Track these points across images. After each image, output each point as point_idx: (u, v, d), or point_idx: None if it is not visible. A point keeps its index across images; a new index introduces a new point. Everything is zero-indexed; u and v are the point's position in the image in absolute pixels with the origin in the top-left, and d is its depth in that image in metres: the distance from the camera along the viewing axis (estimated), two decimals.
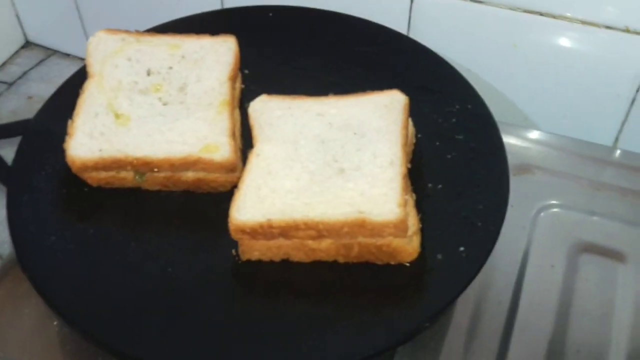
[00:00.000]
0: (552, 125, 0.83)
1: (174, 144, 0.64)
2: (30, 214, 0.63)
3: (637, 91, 0.77)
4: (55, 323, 0.64)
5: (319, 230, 0.58)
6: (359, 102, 0.66)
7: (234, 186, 0.64)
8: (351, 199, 0.59)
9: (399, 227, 0.56)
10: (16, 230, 0.62)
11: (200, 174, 0.65)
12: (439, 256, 0.59)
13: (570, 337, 0.61)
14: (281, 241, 0.59)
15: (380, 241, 0.58)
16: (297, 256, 0.60)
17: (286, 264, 0.60)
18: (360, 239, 0.58)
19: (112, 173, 0.65)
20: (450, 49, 0.80)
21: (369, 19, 0.80)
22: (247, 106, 0.68)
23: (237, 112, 0.70)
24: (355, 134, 0.64)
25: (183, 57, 0.71)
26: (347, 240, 0.58)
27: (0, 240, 0.85)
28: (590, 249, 0.67)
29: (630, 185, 0.72)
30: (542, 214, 0.70)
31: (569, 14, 0.75)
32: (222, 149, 0.64)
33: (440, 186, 0.64)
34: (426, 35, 0.81)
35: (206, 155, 0.64)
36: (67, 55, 1.16)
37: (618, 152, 0.78)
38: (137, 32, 0.74)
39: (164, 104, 0.68)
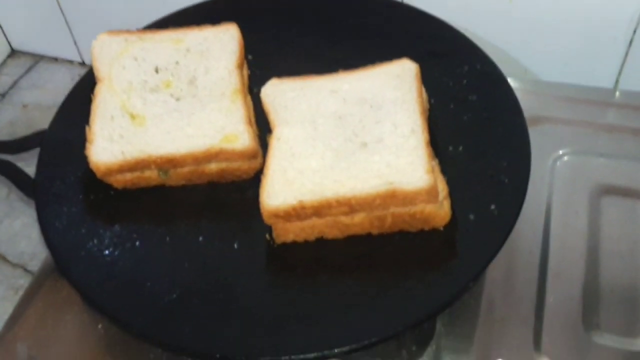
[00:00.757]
0: (553, 74, 0.84)
1: (194, 138, 0.65)
2: (63, 224, 0.63)
3: (634, 32, 0.78)
4: (100, 326, 0.65)
5: (351, 206, 0.59)
6: (370, 75, 0.67)
7: (257, 173, 0.65)
8: (379, 171, 0.60)
9: (430, 194, 0.58)
10: (52, 241, 0.62)
11: (223, 165, 0.66)
12: (471, 217, 0.60)
13: (603, 278, 0.63)
14: (314, 220, 0.60)
15: (412, 209, 0.59)
16: (331, 233, 0.61)
17: (321, 242, 0.61)
18: (393, 209, 0.59)
19: (136, 173, 0.65)
20: (446, 10, 0.80)
21: None
22: (257, 92, 0.69)
23: (248, 98, 0.71)
24: (371, 107, 0.65)
25: (188, 50, 0.71)
26: (380, 212, 0.60)
27: (29, 253, 0.85)
28: (610, 190, 0.69)
29: (638, 124, 0.74)
30: (557, 162, 0.71)
31: None
32: (242, 137, 0.65)
33: (461, 148, 0.65)
34: (423, 0, 0.82)
35: (227, 146, 0.64)
36: (55, 59, 1.15)
37: (618, 93, 0.80)
38: (138, 30, 0.74)
39: (177, 100, 0.68)
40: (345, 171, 0.60)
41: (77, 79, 1.08)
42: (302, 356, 0.54)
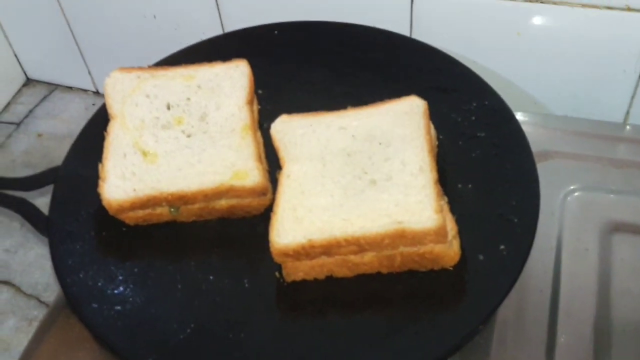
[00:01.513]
0: (562, 106, 0.85)
1: (205, 174, 0.65)
2: (75, 261, 0.64)
3: None
4: None
5: (360, 245, 0.59)
6: (379, 112, 0.67)
7: (267, 209, 0.65)
8: (387, 210, 0.60)
9: (439, 234, 0.58)
10: (65, 279, 0.63)
11: (233, 201, 0.66)
12: (481, 257, 0.60)
13: (614, 317, 0.62)
14: (324, 259, 0.61)
15: (422, 249, 0.59)
16: (341, 272, 0.62)
17: (331, 281, 0.61)
18: (402, 249, 0.59)
19: (148, 210, 0.66)
20: (454, 44, 0.81)
21: (372, 26, 0.81)
22: (267, 127, 0.69)
23: (258, 134, 0.71)
24: (380, 144, 0.65)
25: (199, 86, 0.72)
26: (389, 251, 0.60)
27: (43, 284, 0.86)
28: (621, 227, 0.68)
29: None
30: (568, 198, 0.71)
31: None
32: (252, 174, 0.65)
33: (470, 186, 0.65)
34: (430, 34, 0.83)
35: (237, 183, 0.65)
36: (70, 88, 1.17)
37: (629, 127, 0.80)
38: (150, 67, 0.75)
39: (188, 136, 0.69)
40: (355, 209, 0.61)
41: (91, 107, 1.11)
42: None
